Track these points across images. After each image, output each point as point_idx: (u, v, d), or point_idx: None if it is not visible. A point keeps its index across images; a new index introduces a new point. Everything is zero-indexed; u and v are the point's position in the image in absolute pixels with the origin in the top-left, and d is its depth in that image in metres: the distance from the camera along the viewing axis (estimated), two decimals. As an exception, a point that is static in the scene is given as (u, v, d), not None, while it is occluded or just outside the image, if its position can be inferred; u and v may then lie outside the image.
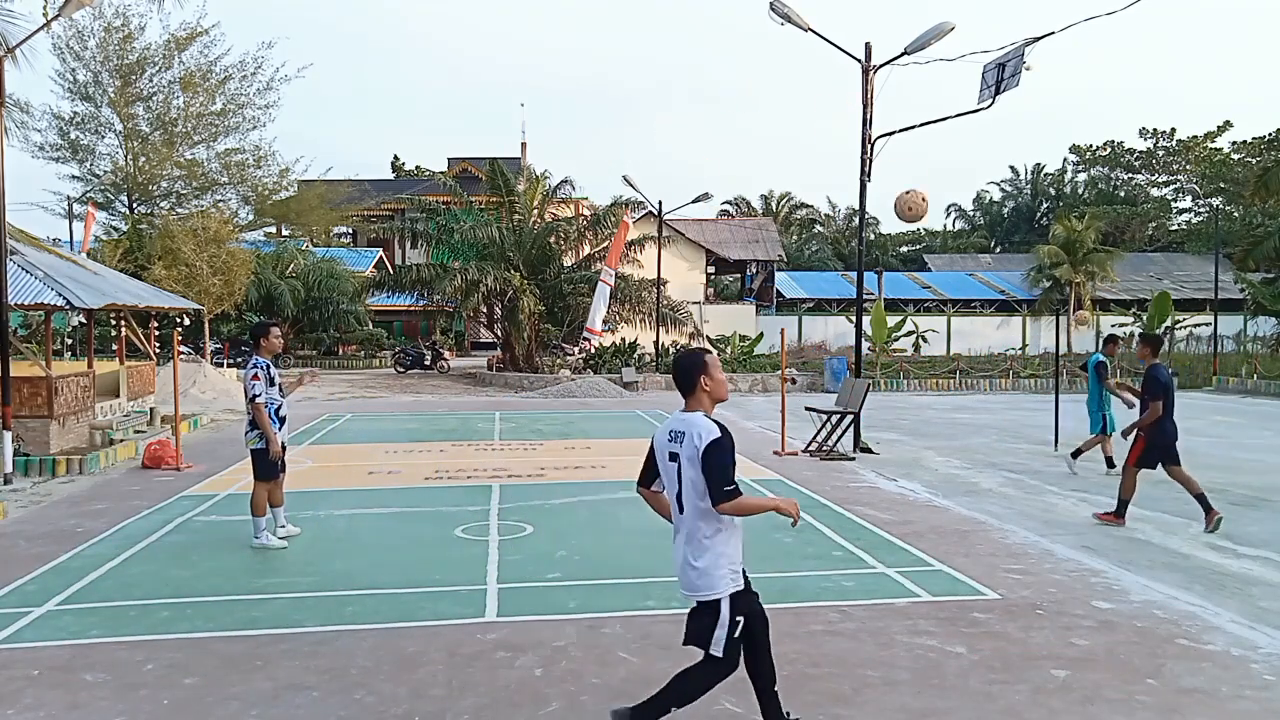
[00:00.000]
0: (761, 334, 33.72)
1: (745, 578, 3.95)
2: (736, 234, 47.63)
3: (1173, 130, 59.80)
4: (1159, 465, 8.53)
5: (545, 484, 10.67)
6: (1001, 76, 12.50)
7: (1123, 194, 62.74)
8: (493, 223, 29.53)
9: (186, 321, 29.16)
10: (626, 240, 28.07)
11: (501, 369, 29.43)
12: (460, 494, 10.04)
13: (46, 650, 5.28)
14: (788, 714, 4.11)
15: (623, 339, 29.28)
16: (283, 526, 7.91)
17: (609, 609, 6.01)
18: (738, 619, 3.85)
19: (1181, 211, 60.71)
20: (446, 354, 35.03)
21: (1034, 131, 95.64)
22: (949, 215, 73.60)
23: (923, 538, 8.01)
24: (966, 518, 8.93)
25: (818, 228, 72.24)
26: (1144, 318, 33.26)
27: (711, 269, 46.63)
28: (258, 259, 31.38)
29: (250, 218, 40.03)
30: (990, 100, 12.82)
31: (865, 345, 22.16)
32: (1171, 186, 61.41)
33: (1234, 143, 54.04)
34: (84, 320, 21.45)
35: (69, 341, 29.00)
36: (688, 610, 4.00)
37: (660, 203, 29.58)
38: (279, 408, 7.67)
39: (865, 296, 17.63)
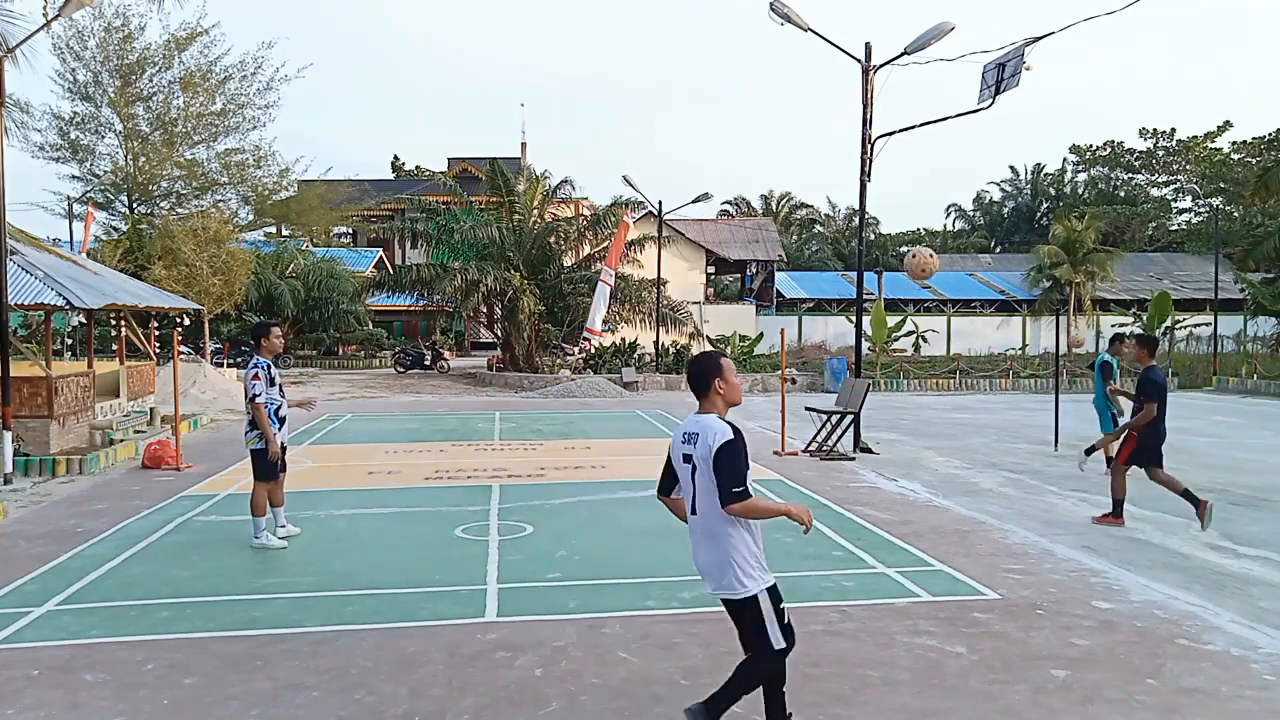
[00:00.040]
0: (761, 334, 33.73)
1: None
2: (736, 234, 47.63)
3: (1173, 130, 59.82)
4: (1143, 467, 8.52)
5: (545, 484, 10.68)
6: (1001, 76, 12.50)
7: (1123, 194, 62.74)
8: (493, 223, 29.53)
9: (186, 321, 29.17)
10: (626, 240, 28.08)
11: (501, 369, 29.43)
12: (460, 494, 10.04)
13: (46, 650, 5.28)
14: (789, 715, 4.10)
15: (623, 339, 29.28)
16: (283, 526, 7.91)
17: (609, 609, 6.01)
18: (781, 608, 3.92)
19: (1181, 211, 60.73)
20: (446, 354, 35.04)
21: (1034, 131, 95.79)
22: (949, 215, 73.69)
23: (923, 538, 8.02)
24: (966, 518, 8.93)
25: (818, 228, 72.23)
26: (1144, 318, 33.27)
27: (711, 269, 46.63)
28: (258, 259, 31.38)
29: (250, 218, 40.04)
30: (990, 100, 12.82)
31: (865, 345, 22.16)
32: (1171, 186, 61.42)
33: (1234, 143, 54.05)
34: (84, 320, 21.46)
35: (69, 341, 29.00)
36: (724, 610, 4.04)
37: (660, 203, 29.61)
38: (279, 408, 7.67)
39: (865, 296, 17.63)
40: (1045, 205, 66.82)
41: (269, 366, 7.62)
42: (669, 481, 4.17)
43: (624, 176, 28.79)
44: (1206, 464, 12.34)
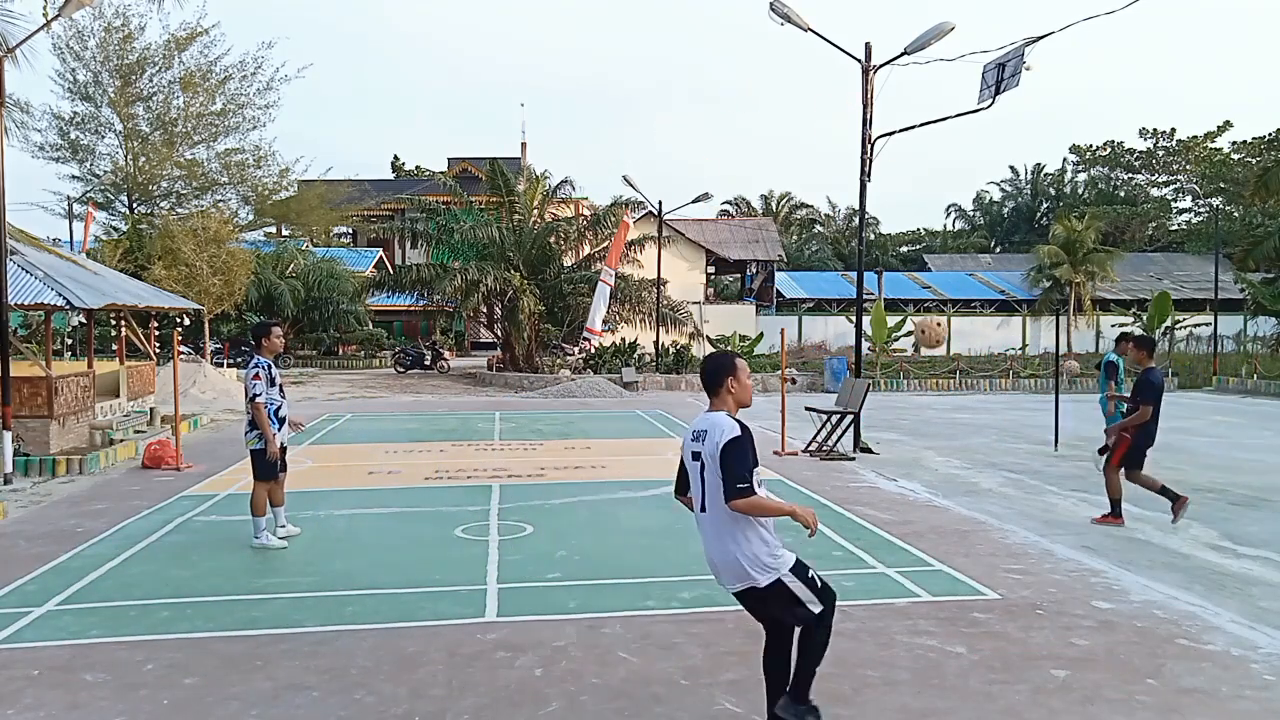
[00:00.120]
0: (761, 334, 33.72)
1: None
2: (736, 234, 47.63)
3: (1173, 130, 59.83)
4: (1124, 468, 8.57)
5: (545, 484, 10.68)
6: (1001, 76, 12.50)
7: (1123, 194, 62.74)
8: (493, 223, 29.53)
9: (186, 321, 29.17)
10: (626, 240, 28.08)
11: (501, 369, 29.43)
12: (460, 494, 10.04)
13: (46, 650, 5.28)
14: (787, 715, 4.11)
15: (623, 339, 29.28)
16: (283, 526, 7.91)
17: (609, 609, 6.01)
18: (811, 576, 3.96)
19: (1181, 211, 60.73)
20: (446, 354, 35.04)
21: (1034, 131, 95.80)
22: (949, 215, 73.70)
23: (923, 538, 8.01)
24: (966, 518, 8.93)
25: (818, 228, 72.25)
26: (1144, 318, 33.27)
27: (711, 269, 46.62)
28: (258, 259, 31.39)
29: (250, 218, 40.04)
30: (990, 100, 12.82)
31: (865, 345, 22.16)
32: (1171, 186, 61.42)
33: (1234, 143, 54.06)
34: (84, 320, 21.45)
35: (69, 341, 28.99)
36: (739, 605, 4.09)
37: (660, 203, 29.62)
38: (279, 408, 7.67)
39: (865, 296, 17.63)
40: (1045, 205, 66.81)
41: (269, 366, 7.62)
42: (684, 481, 4.20)
43: (624, 176, 28.83)
44: (1206, 464, 12.34)
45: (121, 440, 13.35)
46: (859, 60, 13.67)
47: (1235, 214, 45.41)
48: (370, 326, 41.33)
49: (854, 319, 16.40)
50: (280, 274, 36.63)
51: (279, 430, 7.66)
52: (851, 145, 24.59)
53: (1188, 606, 6.11)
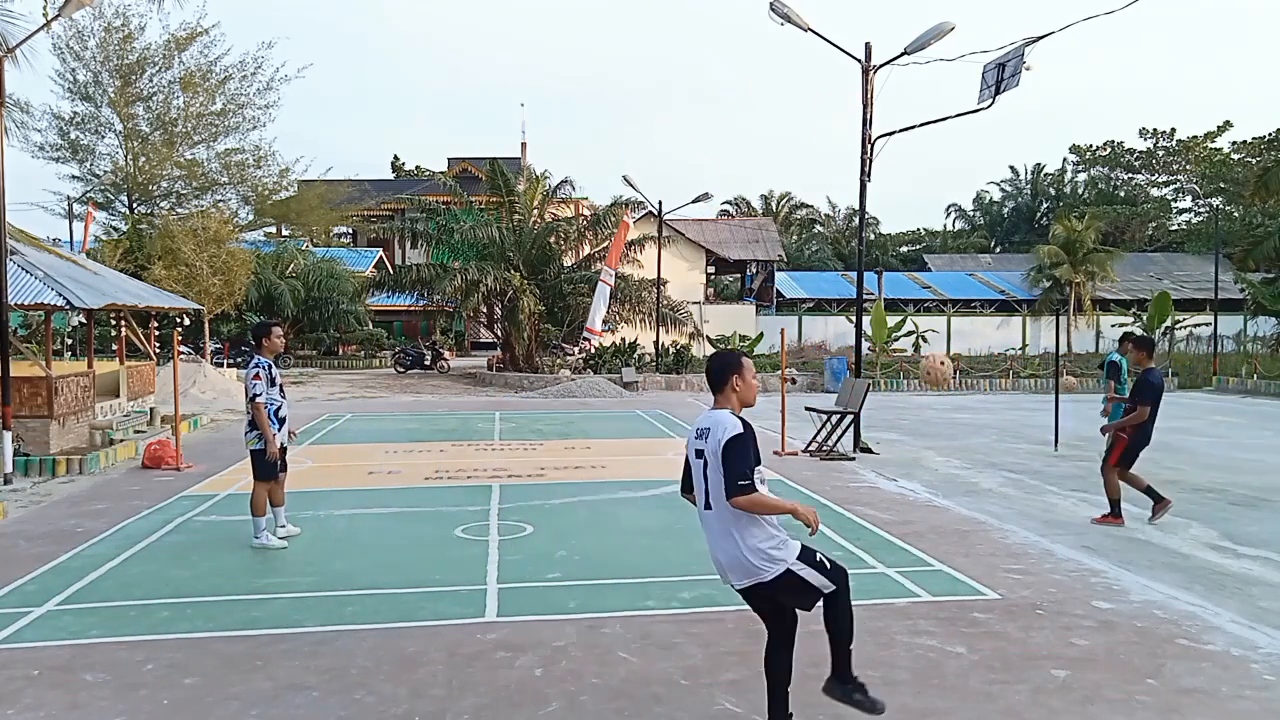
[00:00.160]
0: (761, 334, 33.73)
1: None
2: (736, 234, 47.63)
3: (1173, 130, 59.84)
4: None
5: (545, 484, 10.67)
6: (1001, 76, 12.50)
7: (1123, 194, 62.75)
8: (493, 223, 29.53)
9: (186, 321, 29.16)
10: (626, 240, 28.08)
11: (501, 369, 29.43)
12: (460, 494, 10.04)
13: (46, 650, 5.28)
14: (790, 715, 4.11)
15: (623, 339, 29.29)
16: (283, 526, 7.90)
17: (609, 609, 6.01)
18: (819, 560, 3.96)
19: (1181, 211, 60.74)
20: (446, 354, 35.04)
21: (1034, 131, 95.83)
22: (949, 215, 73.71)
23: (923, 538, 8.01)
24: (966, 518, 8.93)
25: (818, 228, 72.25)
26: (1144, 318, 33.28)
27: (711, 269, 46.63)
28: (258, 259, 31.38)
29: (250, 218, 40.04)
30: (990, 100, 12.82)
31: (865, 345, 22.16)
32: (1171, 186, 61.43)
33: (1234, 143, 54.07)
34: (84, 320, 21.45)
35: (69, 341, 28.99)
36: (744, 603, 4.12)
37: (660, 203, 29.62)
38: (279, 408, 7.67)
39: (865, 296, 17.63)
40: (1045, 205, 66.83)
41: (270, 366, 7.62)
42: (690, 479, 4.20)
43: (624, 176, 28.83)
44: (1206, 464, 12.34)
45: (121, 440, 13.35)
46: (859, 60, 13.67)
47: (1235, 214, 45.41)
48: (370, 326, 41.33)
49: (854, 319, 16.40)
50: (280, 274, 36.63)
51: (279, 431, 7.66)
52: (851, 145, 24.61)
53: (1188, 606, 6.11)
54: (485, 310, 30.67)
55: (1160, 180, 61.99)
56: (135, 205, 35.94)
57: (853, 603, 4.08)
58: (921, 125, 14.24)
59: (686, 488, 4.27)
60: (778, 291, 46.25)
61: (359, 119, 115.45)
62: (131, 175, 35.31)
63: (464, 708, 4.52)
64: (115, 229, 37.01)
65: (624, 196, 30.98)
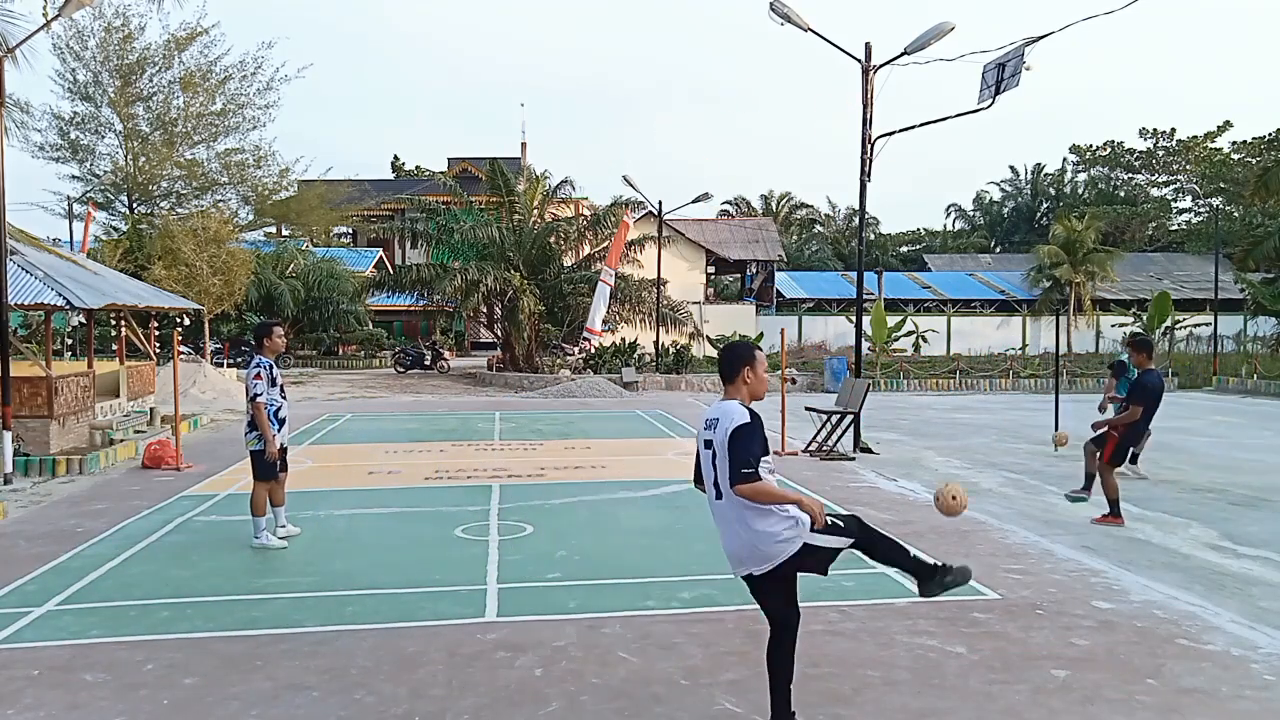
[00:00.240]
0: (761, 334, 33.70)
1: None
2: (736, 234, 47.63)
3: (1173, 130, 59.83)
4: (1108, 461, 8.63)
5: (545, 484, 10.67)
6: (1001, 76, 12.50)
7: (1123, 194, 62.74)
8: (493, 223, 29.53)
9: (186, 321, 29.17)
10: (626, 240, 28.09)
11: (501, 369, 29.44)
12: (460, 494, 10.04)
13: (46, 650, 5.28)
14: (793, 714, 4.11)
15: (623, 339, 29.29)
16: (283, 526, 7.90)
17: (609, 609, 6.01)
18: (831, 524, 3.97)
19: (1181, 211, 60.73)
20: (446, 354, 35.04)
21: (1034, 131, 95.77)
22: (949, 215, 73.70)
23: (923, 538, 8.01)
24: (966, 518, 8.88)
25: (818, 228, 72.24)
26: (1144, 318, 33.27)
27: (711, 269, 46.63)
28: (258, 259, 31.38)
29: (250, 218, 40.03)
30: (990, 100, 12.82)
31: (865, 345, 22.16)
32: (1171, 186, 61.42)
33: (1234, 143, 54.06)
34: (84, 320, 21.45)
35: (69, 341, 28.99)
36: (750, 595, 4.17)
37: (660, 203, 29.64)
38: (279, 409, 7.66)
39: (865, 296, 17.63)
40: (1045, 205, 66.81)
41: (271, 366, 7.61)
42: (701, 471, 4.20)
43: (624, 176, 28.85)
44: (1206, 464, 12.34)
45: (121, 440, 13.35)
46: (859, 60, 13.67)
47: (1235, 214, 45.42)
48: (370, 326, 41.33)
49: (854, 319, 16.40)
50: (280, 274, 36.63)
51: (279, 431, 7.66)
52: (851, 145, 24.62)
53: (1188, 606, 6.11)
54: (485, 310, 30.67)
55: (1160, 180, 61.99)
56: (135, 205, 35.95)
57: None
58: (921, 125, 14.26)
59: (699, 479, 4.26)
60: (778, 291, 46.25)
61: (359, 119, 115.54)
62: (131, 175, 35.31)
63: (464, 708, 4.52)
64: (115, 229, 37.02)
65: (624, 196, 31.03)
